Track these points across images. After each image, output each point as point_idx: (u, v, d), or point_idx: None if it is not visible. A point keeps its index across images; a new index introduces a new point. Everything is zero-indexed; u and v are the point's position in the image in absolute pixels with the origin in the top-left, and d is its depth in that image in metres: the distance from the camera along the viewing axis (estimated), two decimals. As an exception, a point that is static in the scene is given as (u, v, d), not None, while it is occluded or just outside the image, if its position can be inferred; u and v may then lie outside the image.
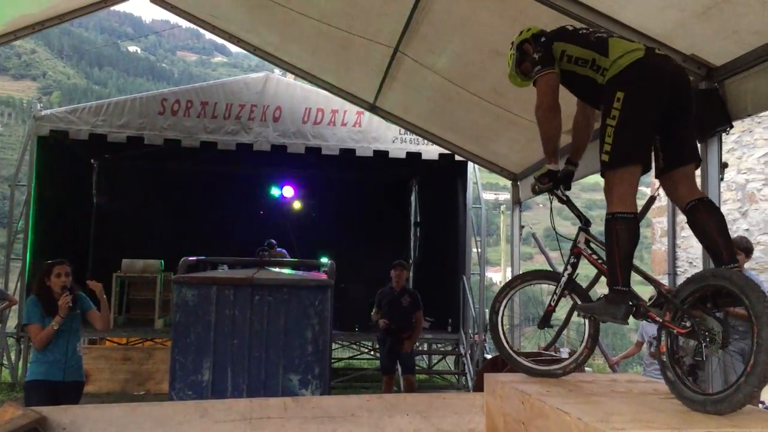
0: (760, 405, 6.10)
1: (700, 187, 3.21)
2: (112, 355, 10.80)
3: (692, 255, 10.95)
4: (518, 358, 3.32)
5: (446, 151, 9.85)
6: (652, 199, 3.58)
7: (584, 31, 3.15)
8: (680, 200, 2.84)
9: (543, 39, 3.20)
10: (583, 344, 3.22)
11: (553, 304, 3.21)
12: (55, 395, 4.95)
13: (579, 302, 3.14)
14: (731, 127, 4.14)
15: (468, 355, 11.02)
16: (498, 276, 28.34)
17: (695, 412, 2.38)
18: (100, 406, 3.38)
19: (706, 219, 2.70)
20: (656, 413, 2.38)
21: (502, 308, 3.37)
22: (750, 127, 10.13)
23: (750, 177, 10.19)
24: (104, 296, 5.51)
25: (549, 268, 3.35)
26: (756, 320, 2.26)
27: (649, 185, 11.52)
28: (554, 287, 3.22)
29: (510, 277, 9.75)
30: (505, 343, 3.34)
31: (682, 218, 11.37)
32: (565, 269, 3.18)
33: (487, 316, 3.47)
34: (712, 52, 4.11)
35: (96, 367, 10.45)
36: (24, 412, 3.08)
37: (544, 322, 3.28)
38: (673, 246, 11.48)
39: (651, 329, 6.41)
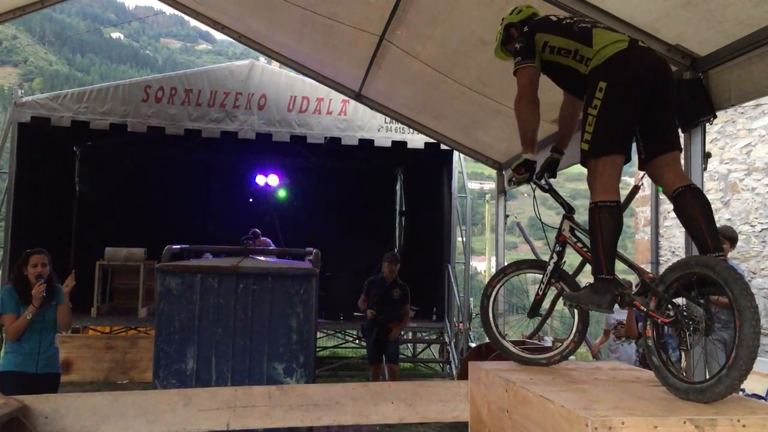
0: (741, 392, 6.19)
1: None
2: (95, 343, 10.75)
3: (675, 244, 11.05)
4: (505, 343, 3.33)
5: (432, 140, 9.84)
6: (635, 189, 3.59)
7: (568, 20, 3.14)
8: (667, 187, 2.84)
9: (526, 29, 3.21)
10: (570, 337, 3.23)
11: (540, 293, 3.22)
12: (29, 387, 4.83)
13: (566, 290, 3.15)
14: (715, 117, 4.17)
15: (453, 344, 11.06)
16: (483, 265, 28.46)
17: (677, 400, 2.41)
18: (83, 395, 3.36)
19: (691, 206, 2.69)
20: (639, 400, 2.40)
21: (494, 293, 3.38)
22: (733, 117, 10.21)
23: (732, 167, 10.27)
24: (67, 297, 5.41)
25: (545, 258, 3.34)
26: (739, 314, 2.26)
27: (632, 175, 11.59)
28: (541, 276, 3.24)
29: (495, 266, 9.80)
30: (494, 328, 3.35)
31: (665, 208, 11.47)
32: (551, 257, 3.19)
33: (479, 300, 3.48)
34: (697, 42, 4.13)
35: (79, 355, 10.40)
36: (5, 400, 3.05)
37: (534, 311, 3.29)
38: (656, 235, 11.58)
39: (615, 316, 6.50)
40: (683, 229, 3.17)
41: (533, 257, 8.57)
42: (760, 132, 9.85)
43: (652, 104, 2.84)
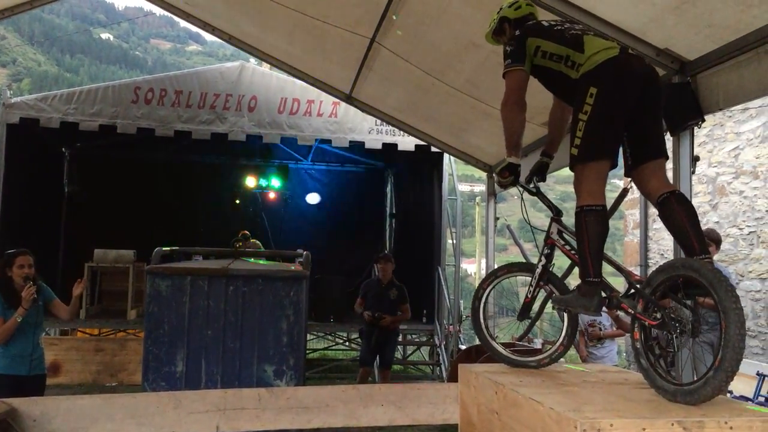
0: (728, 394, 6.24)
1: (672, 180, 3.25)
2: (83, 346, 10.68)
3: (664, 247, 11.11)
4: (496, 346, 3.34)
5: (422, 143, 9.86)
6: (624, 192, 3.61)
7: (560, 27, 3.17)
8: (652, 194, 2.88)
9: (518, 33, 3.21)
10: (560, 341, 3.24)
11: (530, 296, 3.22)
12: (20, 389, 4.78)
13: (555, 293, 3.17)
14: (703, 120, 4.19)
15: (443, 346, 11.07)
16: (473, 267, 28.49)
17: (665, 402, 2.42)
18: (72, 398, 3.35)
19: (677, 211, 2.72)
20: (627, 402, 2.41)
21: (485, 295, 3.39)
22: (721, 121, 10.28)
23: (720, 170, 10.34)
24: (77, 300, 5.39)
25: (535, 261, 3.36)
26: (724, 316, 2.28)
27: (621, 178, 11.65)
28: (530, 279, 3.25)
29: (485, 268, 9.82)
30: (485, 330, 3.36)
31: (653, 211, 11.51)
32: (540, 260, 3.20)
33: (471, 302, 3.49)
34: (685, 46, 4.15)
35: (67, 358, 10.34)
36: (-7, 403, 3.04)
37: (523, 313, 3.30)
38: (645, 238, 11.63)
39: (586, 318, 6.54)
40: (672, 232, 3.19)
41: (523, 260, 8.62)
42: (748, 135, 9.92)
43: (640, 112, 2.87)
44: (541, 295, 3.27)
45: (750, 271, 9.58)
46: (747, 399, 6.91)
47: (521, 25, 3.29)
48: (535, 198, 3.35)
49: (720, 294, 2.31)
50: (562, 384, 2.83)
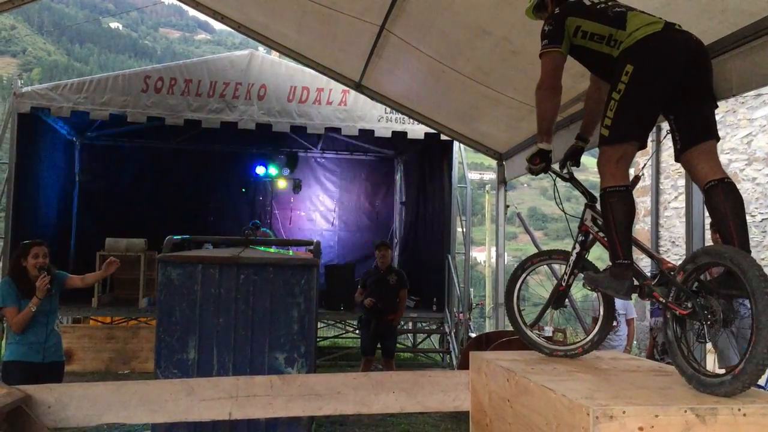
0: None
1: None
2: (96, 334, 10.78)
3: (675, 234, 11.06)
4: (531, 335, 3.30)
5: (432, 131, 9.83)
6: (636, 179, 3.58)
7: (602, 5, 3.03)
8: (699, 179, 2.74)
9: (557, 11, 3.09)
10: (598, 326, 3.18)
11: (564, 284, 3.18)
12: (35, 376, 4.91)
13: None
14: (716, 107, 4.15)
15: (453, 334, 11.08)
16: (483, 255, 28.43)
17: (678, 389, 2.42)
18: (85, 385, 3.36)
19: (723, 205, 2.59)
20: (640, 390, 2.41)
21: (519, 283, 3.35)
22: (734, 107, 10.20)
23: (733, 157, 10.27)
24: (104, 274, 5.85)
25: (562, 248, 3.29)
26: (756, 331, 2.18)
27: (633, 165, 11.58)
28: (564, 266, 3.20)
29: (495, 256, 9.81)
30: (519, 318, 3.33)
31: (665, 198, 11.47)
32: (574, 247, 3.14)
33: (504, 289, 3.44)
34: (698, 31, 4.07)
35: (80, 345, 10.43)
36: (8, 390, 3.06)
37: (558, 302, 3.25)
38: (656, 225, 11.59)
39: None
40: (683, 219, 3.16)
41: (535, 248, 8.59)
42: (761, 122, 9.84)
43: (685, 90, 2.76)
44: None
45: (762, 259, 9.52)
46: (759, 387, 6.88)
47: (562, 1, 3.16)
48: (547, 185, 3.30)
49: (759, 306, 2.18)
50: (574, 371, 2.82)
